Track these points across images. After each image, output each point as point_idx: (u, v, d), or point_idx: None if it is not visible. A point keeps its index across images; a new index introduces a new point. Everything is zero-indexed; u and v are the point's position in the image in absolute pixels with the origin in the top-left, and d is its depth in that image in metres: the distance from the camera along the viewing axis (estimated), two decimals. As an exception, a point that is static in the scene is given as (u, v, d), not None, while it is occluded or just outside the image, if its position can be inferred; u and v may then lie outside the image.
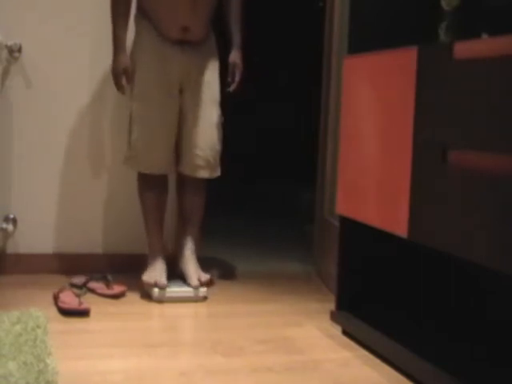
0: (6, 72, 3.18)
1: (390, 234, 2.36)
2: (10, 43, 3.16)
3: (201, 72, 3.04)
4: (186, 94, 3.03)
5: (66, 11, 3.24)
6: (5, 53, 3.16)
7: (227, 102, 3.20)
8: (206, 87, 3.05)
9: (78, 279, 3.07)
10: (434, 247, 2.11)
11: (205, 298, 3.02)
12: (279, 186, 6.84)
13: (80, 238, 3.33)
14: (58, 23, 3.24)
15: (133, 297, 3.00)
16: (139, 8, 3.05)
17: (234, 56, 3.18)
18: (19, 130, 3.23)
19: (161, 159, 3.00)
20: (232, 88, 3.18)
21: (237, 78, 3.17)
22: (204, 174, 3.09)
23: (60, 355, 2.25)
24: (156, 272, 3.01)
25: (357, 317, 2.59)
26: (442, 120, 2.07)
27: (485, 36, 2.15)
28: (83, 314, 2.69)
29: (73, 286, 3.00)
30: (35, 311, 2.61)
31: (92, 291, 3.00)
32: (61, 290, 2.83)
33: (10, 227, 3.23)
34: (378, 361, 2.38)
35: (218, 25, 3.17)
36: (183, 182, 3.16)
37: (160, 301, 2.95)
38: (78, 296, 2.80)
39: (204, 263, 3.30)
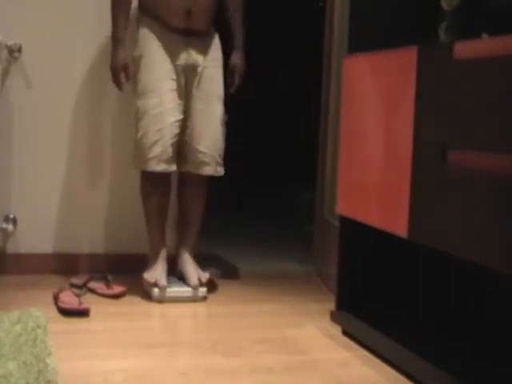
0: (5, 72, 3.18)
1: (390, 233, 2.36)
2: (9, 43, 3.16)
3: (205, 67, 3.03)
4: (190, 90, 3.01)
5: (66, 11, 3.24)
6: (5, 53, 3.16)
7: (228, 102, 3.20)
8: (210, 83, 3.04)
9: (78, 279, 3.07)
10: (434, 247, 2.11)
11: (204, 298, 3.02)
12: (279, 186, 6.84)
13: (80, 237, 3.33)
14: (58, 23, 3.23)
15: (133, 297, 3.00)
16: (141, 5, 3.04)
17: (235, 58, 3.18)
18: (19, 130, 3.23)
19: (166, 156, 2.96)
20: (232, 90, 3.18)
21: (237, 81, 3.18)
22: (209, 170, 3.07)
23: (60, 355, 2.25)
24: (157, 272, 3.01)
25: (357, 317, 2.59)
26: (442, 120, 2.07)
27: (485, 36, 2.15)
28: (83, 314, 2.69)
29: (73, 286, 3.00)
30: (35, 311, 2.61)
31: (92, 291, 3.00)
32: (61, 290, 2.83)
33: (10, 227, 3.23)
34: (377, 361, 2.38)
35: (220, 26, 3.17)
36: (184, 181, 3.14)
37: (160, 301, 2.95)
38: (78, 296, 2.80)
39: (204, 263, 3.30)
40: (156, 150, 2.93)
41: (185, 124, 3.02)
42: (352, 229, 2.64)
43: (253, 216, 5.38)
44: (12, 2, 3.17)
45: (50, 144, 3.28)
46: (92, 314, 2.71)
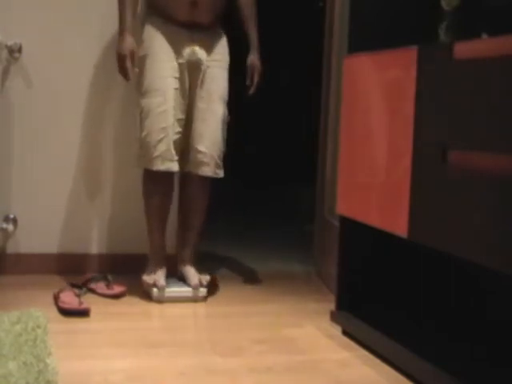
0: (6, 72, 3.18)
1: (390, 233, 2.36)
2: (10, 43, 3.16)
3: (209, 66, 3.01)
4: (193, 88, 3.00)
5: (67, 11, 3.24)
6: (5, 53, 3.16)
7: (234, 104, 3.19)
8: (214, 83, 3.02)
9: (78, 279, 3.06)
10: (434, 247, 2.11)
11: (204, 298, 3.02)
12: (279, 186, 6.84)
13: (80, 237, 3.33)
14: (58, 23, 3.23)
15: (133, 297, 3.00)
16: (147, 2, 3.04)
17: (253, 58, 3.18)
18: (19, 130, 3.23)
19: (170, 155, 2.93)
20: (252, 91, 3.17)
21: (256, 81, 3.17)
22: (207, 171, 3.03)
23: (60, 355, 2.25)
24: (156, 273, 3.01)
25: (357, 317, 2.59)
26: (442, 120, 2.07)
27: (485, 36, 2.15)
28: (83, 314, 2.69)
29: (73, 285, 3.00)
30: (35, 311, 2.61)
31: (92, 291, 3.00)
32: (61, 290, 2.83)
33: (10, 227, 3.23)
34: (377, 361, 2.38)
35: (230, 27, 3.15)
36: (186, 182, 3.13)
37: (160, 301, 2.95)
38: (78, 296, 2.80)
39: (204, 263, 3.30)
40: (161, 148, 2.91)
41: (187, 123, 3.01)
42: (352, 229, 2.64)
43: (253, 216, 5.38)
44: (12, 2, 3.17)
45: (50, 144, 3.28)
46: (92, 314, 2.71)
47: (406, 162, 2.23)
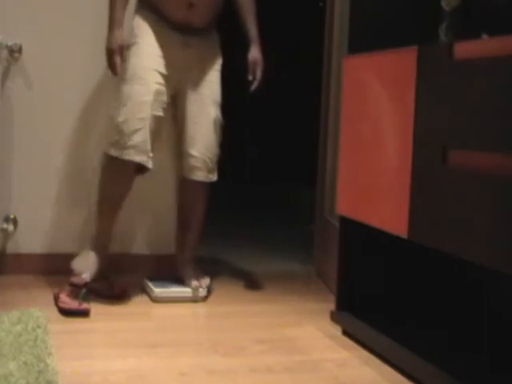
0: (6, 72, 3.18)
1: (390, 233, 2.36)
2: (10, 43, 3.15)
3: (203, 70, 2.97)
4: (185, 92, 2.96)
5: (67, 11, 3.24)
6: (5, 53, 3.16)
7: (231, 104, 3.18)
8: (207, 86, 2.99)
9: (78, 279, 3.06)
10: (434, 247, 2.11)
11: (204, 298, 3.02)
12: (279, 186, 6.84)
13: (80, 238, 3.33)
14: (58, 23, 3.23)
15: (133, 297, 3.00)
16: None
17: (254, 52, 3.11)
18: (19, 130, 3.23)
19: (145, 148, 2.83)
20: (254, 86, 3.09)
21: (258, 76, 3.10)
22: (200, 176, 3.00)
23: (60, 355, 2.25)
24: (88, 262, 2.92)
25: (357, 317, 2.59)
26: (442, 120, 2.07)
27: (485, 36, 2.15)
28: (83, 314, 2.69)
29: (73, 286, 3.00)
30: (35, 311, 2.61)
31: (92, 291, 3.00)
32: (61, 290, 2.82)
33: (10, 227, 3.23)
34: (378, 361, 2.38)
35: (223, 24, 3.13)
36: (183, 186, 3.11)
37: (160, 301, 2.95)
38: (78, 296, 2.80)
39: (204, 263, 3.30)
40: (136, 138, 2.81)
41: (180, 128, 2.99)
42: (352, 229, 2.64)
43: (253, 216, 5.38)
44: (12, 1, 3.17)
45: (50, 144, 3.28)
46: (92, 314, 2.71)
47: (406, 162, 2.23)
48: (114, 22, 2.87)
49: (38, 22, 3.22)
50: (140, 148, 2.83)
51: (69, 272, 3.00)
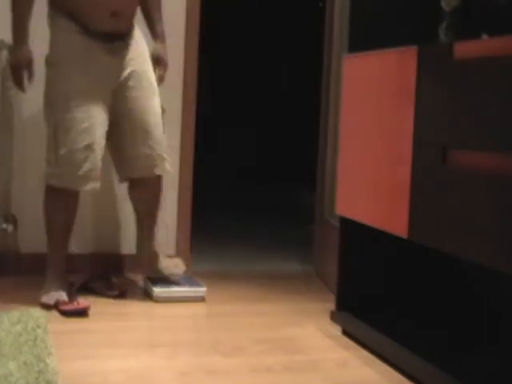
0: (6, 72, 3.18)
1: (390, 234, 2.36)
2: (10, 43, 3.15)
3: (135, 66, 2.84)
4: (124, 96, 2.83)
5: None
6: (5, 53, 3.15)
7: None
8: (143, 81, 2.86)
9: (78, 279, 3.06)
10: (434, 247, 2.11)
11: (204, 298, 3.02)
12: (279, 186, 6.84)
13: (80, 237, 3.33)
14: (58, 23, 3.23)
15: (133, 297, 2.99)
16: (53, 3, 2.79)
17: (158, 48, 3.00)
18: (19, 130, 3.23)
19: (96, 174, 2.76)
20: (157, 82, 2.96)
21: (161, 73, 3.00)
22: (158, 170, 2.91)
23: (60, 355, 2.25)
24: (56, 292, 2.78)
25: (357, 317, 2.59)
26: (441, 120, 2.07)
27: (485, 36, 2.15)
28: (82, 313, 2.68)
29: (73, 286, 3.00)
30: (35, 311, 2.61)
31: (92, 291, 3.00)
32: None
33: (10, 227, 3.23)
34: (378, 361, 2.38)
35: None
36: (134, 186, 2.98)
37: (160, 301, 2.95)
38: (76, 296, 2.78)
39: (204, 263, 3.30)
40: (86, 167, 2.72)
41: (119, 130, 2.84)
42: (352, 229, 2.64)
43: (253, 216, 5.38)
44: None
45: (50, 144, 3.27)
46: (92, 314, 2.71)
47: (406, 162, 2.23)
48: (18, 36, 2.72)
49: (38, 22, 3.20)
50: (90, 176, 2.74)
51: (70, 271, 3.00)
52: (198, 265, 3.55)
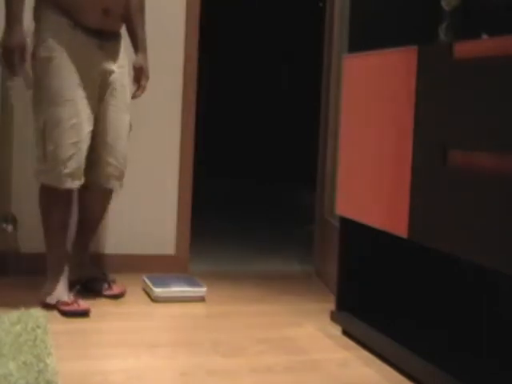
0: (6, 72, 3.18)
1: (390, 233, 2.36)
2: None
3: (118, 74, 2.83)
4: (103, 97, 2.79)
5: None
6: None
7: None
8: (121, 92, 2.85)
9: (78, 279, 3.06)
10: (434, 247, 2.11)
11: (204, 298, 3.02)
12: (279, 186, 6.85)
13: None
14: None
15: (133, 297, 3.00)
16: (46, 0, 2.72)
17: (140, 59, 2.99)
18: (19, 130, 3.23)
19: (81, 172, 2.72)
20: (138, 94, 2.99)
21: (143, 83, 2.99)
22: (115, 184, 2.89)
23: (60, 355, 2.25)
24: (58, 292, 2.76)
25: (357, 317, 2.59)
26: (442, 120, 2.07)
27: (485, 36, 2.15)
28: (83, 314, 2.69)
29: (74, 285, 2.99)
30: (35, 311, 2.61)
31: (92, 291, 3.00)
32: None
33: (10, 227, 3.23)
34: (378, 361, 2.38)
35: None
36: (88, 190, 2.88)
37: (160, 301, 2.95)
38: (77, 297, 2.79)
39: (204, 263, 3.30)
40: (72, 165, 2.68)
41: (96, 133, 2.79)
42: (352, 229, 2.64)
43: (253, 216, 5.38)
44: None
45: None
46: (92, 314, 2.71)
47: (406, 162, 2.23)
48: (12, 18, 2.64)
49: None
50: (75, 174, 2.71)
51: (68, 272, 3.00)
52: (198, 265, 3.56)
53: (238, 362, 2.33)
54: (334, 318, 2.71)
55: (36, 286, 2.86)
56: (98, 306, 2.80)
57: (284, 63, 7.35)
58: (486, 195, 1.88)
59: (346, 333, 2.63)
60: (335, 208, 2.74)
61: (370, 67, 2.50)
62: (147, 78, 3.01)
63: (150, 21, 3.10)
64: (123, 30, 2.96)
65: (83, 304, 2.72)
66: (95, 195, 2.93)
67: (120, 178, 2.90)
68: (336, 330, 2.67)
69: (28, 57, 2.69)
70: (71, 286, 2.87)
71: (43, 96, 2.69)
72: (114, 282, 3.03)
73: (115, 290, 2.99)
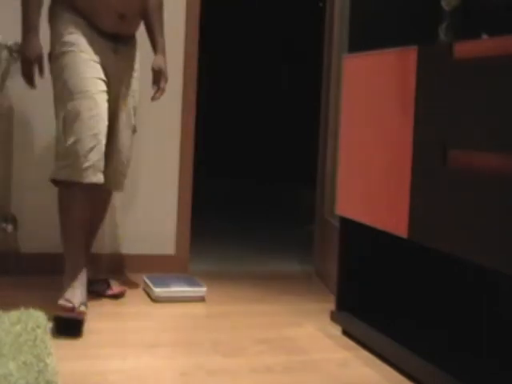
0: (6, 72, 3.18)
1: (390, 234, 2.36)
2: (9, 43, 3.15)
3: (130, 78, 2.83)
4: (117, 101, 2.80)
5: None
6: (5, 53, 3.16)
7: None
8: (132, 96, 2.86)
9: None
10: (434, 247, 2.11)
11: (204, 298, 3.02)
12: (279, 186, 6.85)
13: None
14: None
15: (133, 297, 3.00)
16: (61, 2, 2.73)
17: (159, 61, 2.93)
18: (19, 130, 3.23)
19: (101, 165, 2.66)
20: (157, 97, 2.94)
21: (162, 85, 2.93)
22: (119, 188, 2.91)
23: (60, 355, 2.25)
24: (76, 296, 2.58)
25: (357, 317, 2.59)
26: (442, 120, 2.07)
27: (485, 36, 2.15)
28: (78, 323, 2.51)
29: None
30: (35, 311, 2.61)
31: (91, 291, 3.00)
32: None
33: (10, 227, 3.23)
34: (378, 361, 2.38)
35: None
36: (96, 196, 2.81)
37: (160, 301, 2.95)
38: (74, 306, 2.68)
39: (204, 263, 3.30)
40: (93, 157, 2.61)
41: (111, 132, 2.78)
42: (352, 229, 2.64)
43: (253, 215, 5.38)
44: (12, 2, 3.17)
45: (50, 144, 3.27)
46: (92, 313, 2.71)
47: (406, 162, 2.23)
48: (29, 28, 2.65)
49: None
50: (97, 167, 2.63)
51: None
52: (198, 265, 3.56)
53: (238, 362, 2.33)
54: (334, 318, 2.71)
55: (36, 285, 2.86)
56: (98, 306, 2.80)
57: (284, 63, 7.35)
58: (485, 195, 1.88)
59: (346, 333, 2.63)
60: (335, 208, 2.74)
61: (369, 67, 2.50)
62: (166, 79, 2.95)
63: (150, 21, 3.10)
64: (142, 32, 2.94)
65: (80, 311, 2.54)
66: (99, 198, 2.89)
67: (122, 181, 2.90)
68: (336, 330, 2.67)
69: (46, 66, 2.70)
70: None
71: (62, 92, 2.65)
72: (113, 282, 3.03)
73: (115, 289, 2.99)
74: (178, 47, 3.42)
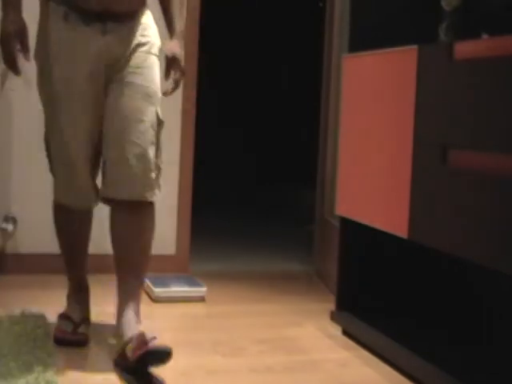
0: (5, 73, 3.18)
1: (390, 234, 2.36)
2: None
3: (130, 56, 2.27)
4: (112, 91, 2.28)
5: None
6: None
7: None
8: (138, 77, 2.26)
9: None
10: (434, 247, 2.11)
11: (204, 298, 3.02)
12: (279, 186, 6.84)
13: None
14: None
15: (133, 297, 2.99)
16: None
17: (174, 46, 2.37)
18: (19, 130, 3.23)
19: (82, 188, 2.39)
20: (170, 88, 2.37)
21: (175, 76, 2.37)
22: (134, 195, 2.38)
23: (60, 355, 2.25)
24: (75, 313, 2.46)
25: (357, 317, 2.59)
26: (442, 120, 2.07)
27: (485, 36, 2.15)
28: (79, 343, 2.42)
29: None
30: (35, 311, 2.61)
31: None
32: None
33: (10, 227, 3.23)
34: (378, 361, 2.38)
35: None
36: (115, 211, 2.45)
37: (160, 301, 2.95)
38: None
39: (204, 263, 3.30)
40: (70, 178, 2.41)
41: (101, 129, 2.37)
42: (352, 229, 2.64)
43: (253, 215, 5.38)
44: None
45: (50, 144, 3.28)
46: (92, 313, 2.71)
47: (406, 161, 2.23)
48: (8, 3, 2.19)
49: (37, 22, 3.21)
50: (78, 190, 2.41)
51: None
52: (198, 265, 3.56)
53: (238, 362, 2.33)
54: (334, 318, 2.71)
55: (36, 285, 2.86)
56: (97, 306, 2.80)
57: (284, 63, 7.34)
58: (485, 195, 1.88)
59: (346, 333, 2.63)
60: (335, 208, 2.74)
61: (369, 67, 2.50)
62: (182, 71, 2.40)
63: (150, 21, 3.09)
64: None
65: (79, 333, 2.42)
66: (123, 216, 2.53)
67: (140, 184, 2.42)
68: (336, 330, 2.67)
69: (31, 49, 2.24)
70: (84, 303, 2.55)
71: (43, 104, 2.40)
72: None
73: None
74: (178, 47, 3.41)
